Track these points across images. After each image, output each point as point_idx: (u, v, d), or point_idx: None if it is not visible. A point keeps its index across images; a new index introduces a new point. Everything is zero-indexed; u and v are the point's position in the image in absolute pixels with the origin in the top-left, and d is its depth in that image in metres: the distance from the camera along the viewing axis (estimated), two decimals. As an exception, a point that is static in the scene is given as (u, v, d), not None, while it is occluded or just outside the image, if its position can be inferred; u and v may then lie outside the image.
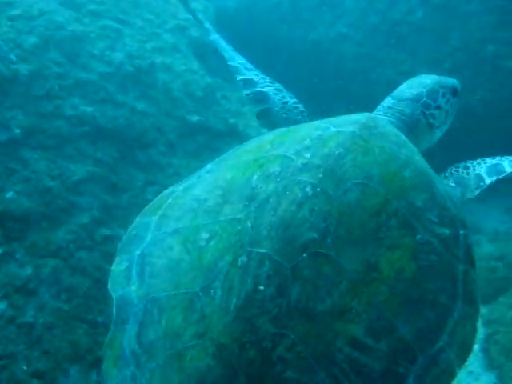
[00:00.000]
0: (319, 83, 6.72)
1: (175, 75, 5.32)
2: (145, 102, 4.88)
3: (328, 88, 6.77)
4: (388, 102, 2.77)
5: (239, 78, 3.04)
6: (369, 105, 2.94)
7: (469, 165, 2.62)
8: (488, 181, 2.51)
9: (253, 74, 3.07)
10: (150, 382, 1.81)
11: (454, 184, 2.52)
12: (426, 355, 1.88)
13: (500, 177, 2.53)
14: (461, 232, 2.17)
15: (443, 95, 2.73)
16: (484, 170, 2.55)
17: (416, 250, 2.01)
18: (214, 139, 5.11)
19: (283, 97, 2.96)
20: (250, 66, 3.17)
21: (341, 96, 6.55)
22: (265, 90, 2.96)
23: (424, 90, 2.72)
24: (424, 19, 6.44)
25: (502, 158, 2.61)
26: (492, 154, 2.74)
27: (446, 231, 2.11)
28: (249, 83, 2.99)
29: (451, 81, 2.83)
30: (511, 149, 2.92)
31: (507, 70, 6.23)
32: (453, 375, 1.91)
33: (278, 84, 3.05)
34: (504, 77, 6.16)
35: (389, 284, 1.92)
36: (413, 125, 2.67)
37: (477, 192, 2.49)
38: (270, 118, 2.85)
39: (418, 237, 2.04)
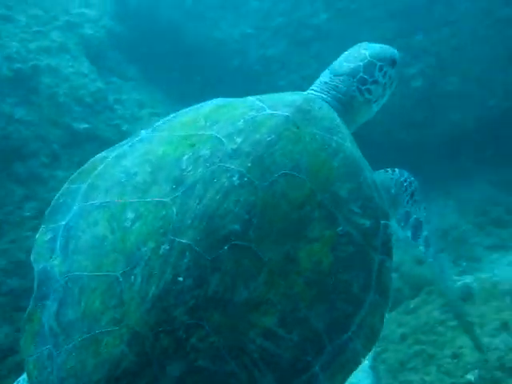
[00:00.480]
0: (224, 84, 6.53)
1: (62, 79, 4.96)
2: (25, 109, 4.50)
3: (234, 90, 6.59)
4: (325, 76, 2.70)
5: None
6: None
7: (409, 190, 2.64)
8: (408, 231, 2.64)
9: None
10: (65, 363, 1.82)
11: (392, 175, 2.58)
12: (335, 345, 1.95)
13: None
14: (382, 222, 2.19)
15: (380, 68, 2.66)
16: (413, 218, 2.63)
17: (335, 242, 2.04)
18: (103, 148, 4.81)
19: None
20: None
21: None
22: None
23: (361, 64, 2.65)
24: (328, 23, 6.37)
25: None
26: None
27: (367, 222, 2.14)
28: None
29: (390, 52, 2.73)
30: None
31: (408, 77, 6.29)
32: (357, 364, 1.99)
33: None
34: (404, 85, 6.21)
35: (305, 276, 1.95)
36: (348, 102, 2.62)
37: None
38: None
39: (338, 229, 2.06)
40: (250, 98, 2.44)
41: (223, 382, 1.81)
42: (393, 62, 2.71)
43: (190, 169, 2.09)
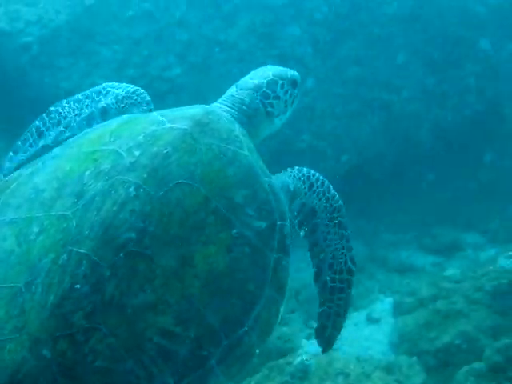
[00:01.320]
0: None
1: None
2: None
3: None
4: (232, 90, 2.85)
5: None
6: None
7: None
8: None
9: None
10: None
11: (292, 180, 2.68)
12: (231, 339, 2.07)
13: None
14: (278, 223, 2.31)
15: (282, 86, 2.83)
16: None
17: (231, 243, 2.16)
18: None
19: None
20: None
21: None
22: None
23: (265, 81, 2.81)
24: (182, 76, 6.26)
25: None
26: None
27: (263, 224, 2.26)
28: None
29: (291, 73, 2.91)
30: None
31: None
32: (252, 355, 2.13)
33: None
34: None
35: (201, 277, 2.06)
36: (252, 114, 2.76)
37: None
38: None
39: (233, 231, 2.18)
40: (153, 113, 2.56)
41: (122, 380, 1.91)
42: (294, 82, 2.90)
43: (90, 183, 2.17)
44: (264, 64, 2.94)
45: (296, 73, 2.94)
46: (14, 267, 2.05)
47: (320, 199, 2.69)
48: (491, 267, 5.18)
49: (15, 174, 2.47)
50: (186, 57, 6.23)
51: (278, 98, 2.82)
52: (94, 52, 6.36)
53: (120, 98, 2.84)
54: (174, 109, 2.59)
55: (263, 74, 2.86)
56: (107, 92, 2.90)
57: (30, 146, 2.94)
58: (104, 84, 2.94)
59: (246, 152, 2.44)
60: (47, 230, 2.09)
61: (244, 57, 6.50)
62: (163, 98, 6.29)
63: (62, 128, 2.91)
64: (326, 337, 2.62)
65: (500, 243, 6.72)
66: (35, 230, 2.12)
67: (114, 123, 2.55)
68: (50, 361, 1.88)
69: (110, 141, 2.37)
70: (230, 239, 2.17)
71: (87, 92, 2.99)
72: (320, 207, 2.69)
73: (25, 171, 2.44)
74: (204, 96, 6.40)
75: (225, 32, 6.57)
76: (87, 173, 2.22)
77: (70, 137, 2.68)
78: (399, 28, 7.31)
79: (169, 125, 2.39)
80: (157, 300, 2.00)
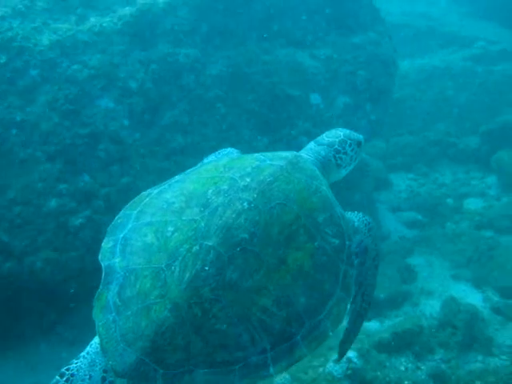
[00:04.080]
0: None
1: None
2: None
3: None
4: (311, 144, 3.66)
5: None
6: None
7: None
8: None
9: None
10: (125, 324, 2.57)
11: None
12: (312, 322, 2.74)
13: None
14: (347, 243, 3.01)
15: (350, 145, 3.61)
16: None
17: (314, 252, 2.84)
18: None
19: None
20: None
21: None
22: None
23: (337, 140, 3.61)
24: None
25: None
26: None
27: (336, 241, 2.96)
28: None
29: (357, 136, 3.69)
30: None
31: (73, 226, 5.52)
32: (327, 336, 2.78)
33: None
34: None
35: (292, 273, 2.75)
36: (325, 163, 3.52)
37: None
38: None
39: (316, 243, 2.87)
40: (256, 154, 3.28)
41: (234, 340, 2.57)
42: (359, 143, 3.68)
43: (213, 198, 2.89)
44: None
45: (361, 135, 3.73)
46: (156, 254, 2.72)
47: (372, 242, 3.28)
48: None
49: (145, 192, 3.17)
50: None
51: (346, 153, 3.61)
52: None
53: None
54: (270, 152, 3.34)
55: (335, 134, 3.68)
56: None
57: None
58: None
59: (324, 187, 3.17)
60: (180, 229, 2.76)
61: (48, 139, 5.67)
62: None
63: None
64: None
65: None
66: (170, 229, 2.78)
67: (224, 159, 3.33)
68: (185, 320, 2.53)
69: (225, 170, 3.09)
70: (313, 249, 2.83)
71: None
72: (371, 247, 3.27)
73: (153, 191, 3.14)
74: (7, 185, 5.50)
75: (22, 111, 5.68)
76: (210, 191, 2.92)
77: None
78: (225, 89, 6.86)
79: (269, 162, 3.14)
80: (260, 286, 2.65)
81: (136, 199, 3.13)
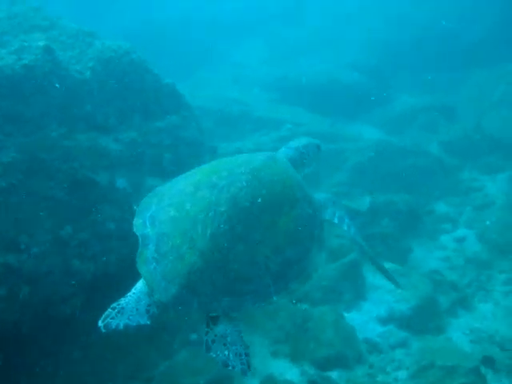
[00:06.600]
0: None
1: None
2: None
3: None
4: (282, 149, 4.63)
5: None
6: None
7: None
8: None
9: None
10: (164, 268, 3.53)
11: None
12: (298, 266, 3.75)
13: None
14: (317, 213, 4.05)
15: (311, 147, 4.68)
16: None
17: (296, 217, 3.83)
18: None
19: None
20: None
21: None
22: None
23: (301, 145, 4.65)
24: None
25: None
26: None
27: (310, 211, 3.97)
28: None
29: (317, 141, 4.76)
30: None
31: None
32: (310, 276, 3.80)
33: None
34: None
35: (282, 231, 3.73)
36: (294, 162, 4.43)
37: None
38: None
39: (297, 211, 3.86)
40: (244, 154, 4.32)
41: (245, 277, 3.55)
42: (318, 146, 4.75)
43: (218, 181, 3.83)
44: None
45: (319, 141, 4.74)
46: (180, 221, 3.70)
47: (342, 210, 4.31)
48: None
49: (158, 188, 4.16)
50: None
51: (308, 154, 4.61)
52: None
53: None
54: (253, 153, 4.27)
55: (300, 140, 4.68)
56: None
57: None
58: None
59: (298, 175, 4.23)
60: (196, 204, 3.74)
61: None
62: None
63: None
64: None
65: None
66: (188, 205, 3.76)
67: (216, 161, 4.26)
68: (210, 263, 3.51)
69: (220, 165, 4.09)
70: (296, 215, 3.85)
71: None
72: (343, 214, 4.30)
73: (164, 186, 4.14)
74: None
75: None
76: (213, 178, 3.87)
77: None
78: (20, 177, 6.36)
79: (255, 157, 4.15)
80: (262, 238, 3.65)
81: (151, 193, 4.11)
